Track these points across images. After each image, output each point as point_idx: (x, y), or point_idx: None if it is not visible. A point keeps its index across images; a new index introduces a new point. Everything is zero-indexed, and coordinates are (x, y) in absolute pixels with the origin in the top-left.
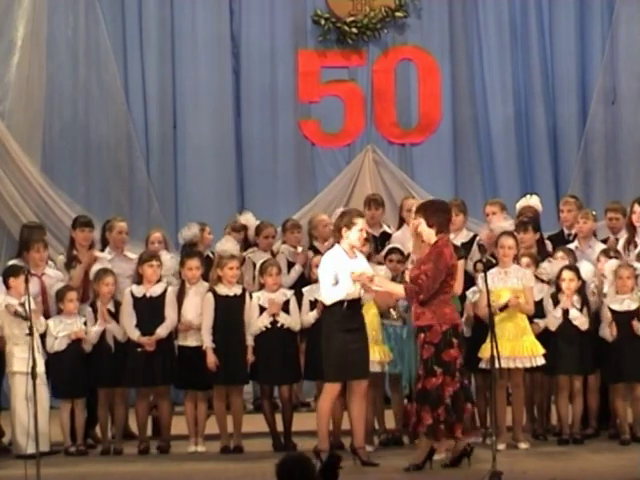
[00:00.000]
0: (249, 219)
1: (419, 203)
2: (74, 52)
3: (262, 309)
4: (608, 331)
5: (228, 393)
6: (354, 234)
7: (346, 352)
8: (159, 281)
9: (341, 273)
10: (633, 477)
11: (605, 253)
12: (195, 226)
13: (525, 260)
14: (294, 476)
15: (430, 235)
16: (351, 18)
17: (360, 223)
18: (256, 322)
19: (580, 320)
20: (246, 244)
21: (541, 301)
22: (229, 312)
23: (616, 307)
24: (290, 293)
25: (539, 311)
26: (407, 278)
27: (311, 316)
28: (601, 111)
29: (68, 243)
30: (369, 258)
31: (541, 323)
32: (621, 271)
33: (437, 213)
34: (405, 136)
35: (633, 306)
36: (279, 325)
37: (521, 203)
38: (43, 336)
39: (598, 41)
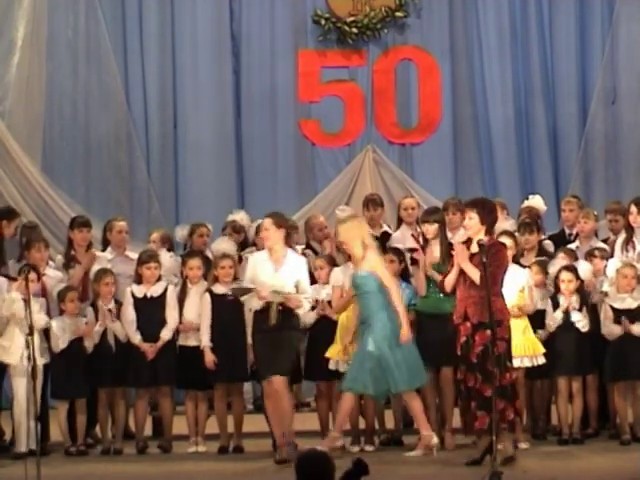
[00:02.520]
0: (243, 218)
1: (471, 199)
2: (74, 52)
3: None
4: (612, 329)
5: (229, 393)
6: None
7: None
8: (159, 279)
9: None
10: (633, 477)
11: (590, 254)
12: (185, 228)
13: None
14: (314, 473)
15: (480, 232)
16: (351, 18)
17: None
18: None
19: (583, 322)
20: (246, 244)
21: (542, 311)
22: (227, 311)
23: (617, 305)
24: None
25: (540, 321)
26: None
27: (311, 316)
28: (601, 111)
29: (66, 243)
30: None
31: (543, 335)
32: (625, 270)
33: (492, 214)
34: (405, 136)
35: (634, 305)
36: None
37: (524, 204)
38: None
39: (598, 41)
